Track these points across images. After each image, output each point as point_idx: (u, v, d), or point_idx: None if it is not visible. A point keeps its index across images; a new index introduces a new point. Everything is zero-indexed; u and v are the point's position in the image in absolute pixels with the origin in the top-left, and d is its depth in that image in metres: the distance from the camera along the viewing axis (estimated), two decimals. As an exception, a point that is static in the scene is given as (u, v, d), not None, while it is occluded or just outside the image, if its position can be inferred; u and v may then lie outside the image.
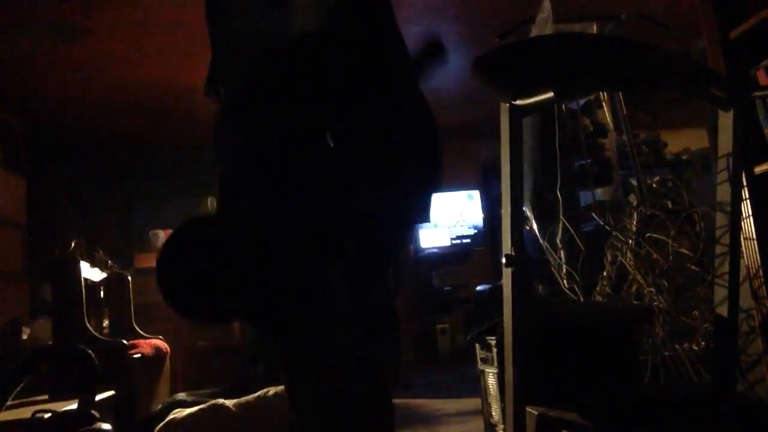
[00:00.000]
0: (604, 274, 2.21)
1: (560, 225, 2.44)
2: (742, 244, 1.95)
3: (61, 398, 2.38)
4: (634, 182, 2.77)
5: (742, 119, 1.15)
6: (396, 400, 1.18)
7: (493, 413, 2.16)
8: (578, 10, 2.87)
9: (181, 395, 3.21)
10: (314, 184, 1.07)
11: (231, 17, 1.24)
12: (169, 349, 3.62)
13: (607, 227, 2.23)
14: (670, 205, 2.31)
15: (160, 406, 3.04)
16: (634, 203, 2.44)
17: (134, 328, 3.55)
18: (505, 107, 1.01)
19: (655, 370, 1.93)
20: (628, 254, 2.11)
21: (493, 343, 2.09)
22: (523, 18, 2.74)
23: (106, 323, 3.64)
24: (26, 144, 4.70)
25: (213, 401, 2.69)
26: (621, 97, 2.82)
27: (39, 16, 3.38)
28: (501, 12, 3.47)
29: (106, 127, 5.21)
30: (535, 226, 2.61)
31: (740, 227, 1.38)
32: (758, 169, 1.98)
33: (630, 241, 2.12)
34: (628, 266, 2.10)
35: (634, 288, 2.09)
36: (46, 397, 2.50)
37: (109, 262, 4.05)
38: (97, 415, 1.88)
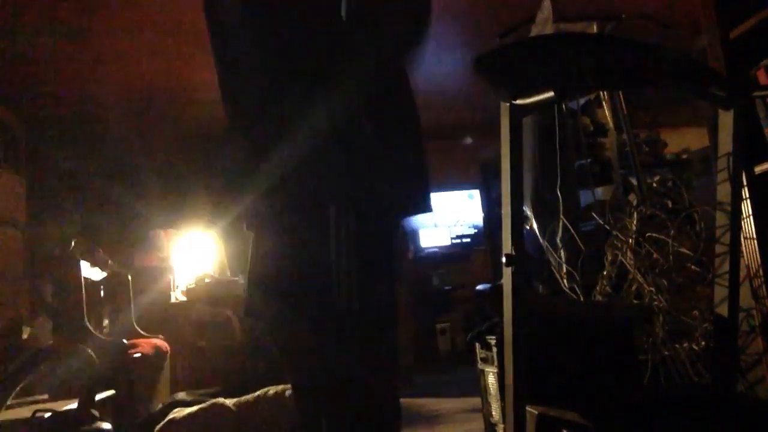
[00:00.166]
0: (604, 273, 2.21)
1: (560, 224, 2.44)
2: (742, 243, 1.95)
3: (61, 398, 2.38)
4: (634, 182, 2.77)
5: (742, 119, 1.15)
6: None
7: (493, 413, 2.16)
8: (578, 10, 2.87)
9: (181, 395, 3.21)
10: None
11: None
12: (169, 348, 3.62)
13: (607, 227, 2.23)
14: (670, 205, 2.31)
15: (160, 406, 3.04)
16: (634, 203, 2.45)
17: (134, 327, 3.55)
18: (505, 107, 1.01)
19: (655, 370, 1.93)
20: (628, 254, 2.11)
21: (493, 342, 2.09)
22: (523, 18, 2.74)
23: (106, 323, 3.64)
24: (26, 144, 4.70)
25: (213, 401, 2.69)
26: (621, 96, 2.82)
27: (39, 16, 3.38)
28: (501, 12, 3.46)
29: (106, 126, 5.21)
30: (535, 226, 2.61)
31: (740, 227, 1.38)
32: (758, 169, 1.98)
33: (630, 241, 2.12)
34: (628, 266, 2.10)
35: (634, 287, 2.09)
36: (46, 396, 2.50)
37: (109, 261, 4.05)
38: (97, 414, 1.88)
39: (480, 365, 2.23)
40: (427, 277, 6.03)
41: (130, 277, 3.67)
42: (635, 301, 2.08)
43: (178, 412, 2.62)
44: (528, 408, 1.05)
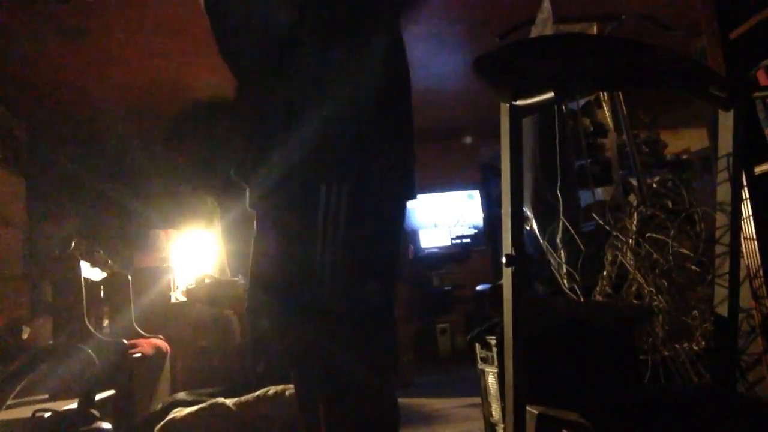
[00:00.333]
0: (604, 273, 2.21)
1: (560, 225, 2.44)
2: (742, 244, 1.95)
3: (61, 398, 2.38)
4: (634, 182, 2.77)
5: (742, 119, 1.15)
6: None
7: (493, 413, 2.16)
8: (578, 11, 2.87)
9: (181, 395, 3.21)
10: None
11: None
12: (169, 348, 3.62)
13: (607, 227, 2.23)
14: (670, 205, 2.31)
15: (160, 406, 3.04)
16: (634, 203, 2.45)
17: (134, 327, 3.55)
18: (505, 107, 1.01)
19: (655, 370, 1.93)
20: (628, 254, 2.11)
21: (493, 342, 2.09)
22: (523, 18, 2.74)
23: (106, 323, 3.64)
24: (26, 144, 4.70)
25: (213, 401, 2.69)
26: (621, 97, 2.82)
27: (39, 16, 3.38)
28: (501, 12, 3.46)
29: (106, 127, 5.21)
30: (535, 226, 2.61)
31: (740, 227, 1.38)
32: (758, 169, 1.98)
33: (630, 241, 2.12)
34: (628, 266, 2.11)
35: (634, 288, 2.09)
36: (46, 396, 2.50)
37: (109, 261, 4.05)
38: (97, 414, 1.88)
39: (480, 365, 2.23)
40: (427, 277, 6.03)
41: (130, 278, 3.67)
42: (635, 302, 2.08)
43: (178, 412, 2.62)
44: (528, 408, 1.05)
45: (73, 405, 2.08)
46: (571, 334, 1.40)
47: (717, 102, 1.16)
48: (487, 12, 3.76)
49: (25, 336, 3.01)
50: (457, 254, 6.23)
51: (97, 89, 4.45)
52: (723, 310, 1.17)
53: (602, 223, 2.27)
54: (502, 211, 1.04)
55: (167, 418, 2.60)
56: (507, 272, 1.01)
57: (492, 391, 2.15)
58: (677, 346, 1.95)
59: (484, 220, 6.36)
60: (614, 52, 1.15)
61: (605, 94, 2.93)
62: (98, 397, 2.19)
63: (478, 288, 5.32)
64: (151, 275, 4.34)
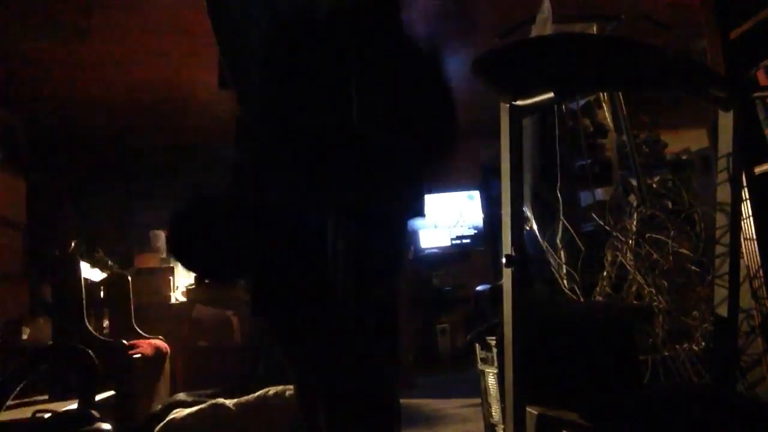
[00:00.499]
0: (604, 274, 2.21)
1: (560, 225, 2.44)
2: (742, 244, 1.95)
3: (61, 398, 2.38)
4: (634, 182, 2.77)
5: (742, 119, 1.15)
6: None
7: (493, 413, 2.16)
8: (578, 10, 2.87)
9: (181, 395, 3.21)
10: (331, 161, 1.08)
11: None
12: (169, 349, 3.62)
13: (607, 227, 2.23)
14: (670, 206, 2.31)
15: (160, 406, 3.04)
16: (634, 203, 2.45)
17: (134, 328, 3.55)
18: (505, 107, 1.01)
19: (655, 370, 1.93)
20: (628, 254, 2.11)
21: (493, 343, 2.09)
22: (523, 18, 2.74)
23: (106, 323, 3.64)
24: (26, 144, 4.70)
25: (213, 401, 2.69)
26: (621, 97, 2.82)
27: (39, 16, 3.38)
28: (501, 12, 3.46)
29: (106, 127, 5.21)
30: (535, 226, 2.61)
31: (740, 227, 1.38)
32: (758, 170, 1.98)
33: (630, 241, 2.12)
34: (628, 266, 2.11)
35: (634, 288, 2.09)
36: (46, 397, 2.50)
37: (109, 262, 4.05)
38: (97, 415, 1.88)
39: (480, 366, 2.23)
40: (427, 277, 6.03)
41: (129, 278, 3.67)
42: (635, 302, 2.08)
43: (178, 413, 2.62)
44: (528, 408, 1.05)
45: (73, 405, 2.08)
46: (571, 334, 1.40)
47: (717, 102, 1.16)
48: (487, 12, 3.76)
49: (25, 336, 3.02)
50: (457, 255, 6.23)
51: (97, 89, 4.45)
52: (723, 310, 1.17)
53: (602, 223, 2.27)
54: (502, 212, 1.04)
55: (167, 419, 2.60)
56: (507, 273, 1.01)
57: (492, 392, 2.15)
58: (677, 346, 1.95)
59: (484, 220, 6.35)
60: (614, 52, 1.15)
61: (605, 94, 2.93)
62: (98, 397, 2.19)
63: (478, 288, 5.31)
64: (151, 276, 4.34)
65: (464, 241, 6.32)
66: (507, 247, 1.01)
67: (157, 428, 2.55)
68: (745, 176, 1.94)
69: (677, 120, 4.91)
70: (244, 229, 1.12)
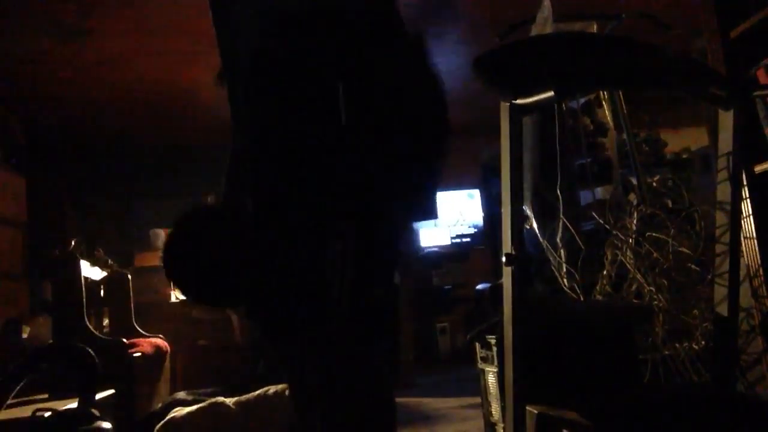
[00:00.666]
0: (604, 273, 2.21)
1: (560, 224, 2.44)
2: (742, 243, 1.95)
3: (61, 397, 2.38)
4: (634, 181, 2.77)
5: (742, 118, 1.15)
6: (396, 400, 1.18)
7: (493, 412, 2.16)
8: (578, 10, 2.87)
9: (181, 394, 3.21)
10: (325, 170, 1.07)
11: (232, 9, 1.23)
12: (169, 348, 3.62)
13: (607, 226, 2.23)
14: (670, 204, 2.31)
15: (159, 405, 3.04)
16: (634, 202, 2.44)
17: (134, 327, 3.55)
18: (505, 107, 1.01)
19: (655, 369, 1.93)
20: (628, 253, 2.11)
21: (493, 342, 2.09)
22: (523, 18, 2.74)
23: (106, 323, 3.64)
24: (26, 144, 4.70)
25: (213, 400, 2.69)
26: (621, 96, 2.82)
27: (39, 16, 3.38)
28: (501, 12, 3.46)
29: (106, 127, 5.22)
30: (535, 225, 2.61)
31: (740, 226, 1.38)
32: (758, 169, 1.98)
33: (630, 240, 2.12)
34: (628, 265, 2.11)
35: (634, 287, 2.09)
36: (46, 396, 2.50)
37: (109, 261, 4.05)
38: (97, 414, 1.88)
39: (480, 365, 2.23)
40: (427, 276, 6.03)
41: (130, 277, 3.67)
42: (635, 301, 2.08)
43: (178, 412, 2.63)
44: (528, 408, 1.05)
45: (73, 404, 2.08)
46: (571, 333, 1.40)
47: (717, 101, 1.16)
48: (487, 12, 3.76)
49: (25, 336, 3.02)
50: (457, 253, 6.23)
51: (97, 89, 4.45)
52: (723, 309, 1.17)
53: (602, 222, 2.27)
54: (502, 210, 1.04)
55: (167, 418, 2.60)
56: (507, 271, 1.01)
57: (492, 391, 2.15)
58: (677, 345, 1.95)
59: (484, 219, 6.36)
60: (614, 51, 1.15)
61: (605, 93, 2.93)
62: (98, 396, 2.19)
63: (478, 287, 5.31)
64: (151, 275, 4.34)
65: (464, 239, 6.32)
66: (507, 245, 1.01)
67: (157, 427, 2.55)
68: (745, 175, 1.94)
69: (677, 119, 4.91)
70: (238, 247, 1.11)
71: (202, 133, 5.10)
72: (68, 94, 4.50)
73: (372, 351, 1.14)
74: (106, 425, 1.84)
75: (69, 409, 2.05)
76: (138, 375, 3.06)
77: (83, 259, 3.10)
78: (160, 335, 3.63)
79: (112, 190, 5.69)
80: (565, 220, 2.42)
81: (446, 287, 6.00)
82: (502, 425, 2.08)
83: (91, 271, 3.23)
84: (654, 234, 2.07)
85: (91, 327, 2.97)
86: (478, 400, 2.31)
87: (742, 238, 1.93)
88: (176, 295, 4.52)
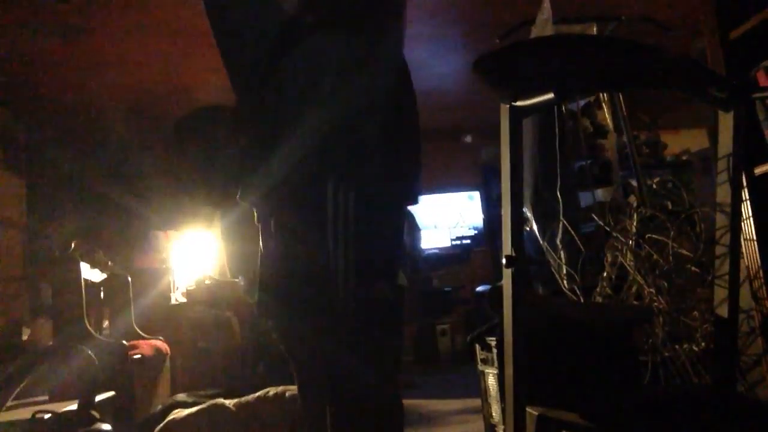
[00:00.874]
0: (604, 274, 2.20)
1: (560, 226, 2.44)
2: (742, 244, 1.95)
3: (61, 398, 2.38)
4: (634, 183, 2.77)
5: (742, 120, 1.15)
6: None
7: (493, 413, 2.16)
8: (578, 11, 2.87)
9: (180, 396, 3.21)
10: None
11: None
12: (169, 349, 3.62)
13: (607, 228, 2.23)
14: (670, 206, 2.31)
15: (159, 407, 3.03)
16: (634, 204, 2.44)
17: (134, 328, 3.55)
18: (505, 108, 1.01)
19: (655, 370, 1.93)
20: (628, 255, 2.11)
21: (493, 343, 2.09)
22: (523, 19, 2.74)
23: (105, 324, 3.64)
24: (26, 145, 4.70)
25: (213, 402, 2.69)
26: (621, 97, 2.82)
27: (39, 16, 3.38)
28: (501, 12, 3.47)
29: (106, 127, 5.21)
30: (535, 227, 2.61)
31: (740, 228, 1.38)
32: (758, 170, 1.98)
33: (630, 242, 2.12)
34: (628, 267, 2.10)
35: (634, 289, 2.09)
36: (46, 397, 2.50)
37: (109, 262, 4.05)
38: (96, 415, 1.88)
39: (480, 366, 2.23)
40: (427, 278, 6.03)
41: (129, 279, 3.67)
42: (635, 303, 2.08)
43: (178, 413, 2.62)
44: (528, 409, 1.05)
45: (73, 406, 2.08)
46: (571, 335, 1.40)
47: (717, 102, 1.16)
48: (487, 13, 3.76)
49: (25, 337, 3.02)
50: (458, 255, 6.23)
51: (97, 89, 4.45)
52: (723, 310, 1.17)
53: (602, 224, 2.27)
54: (502, 212, 1.04)
55: (167, 420, 2.59)
56: (507, 273, 1.01)
57: (492, 392, 2.15)
58: (677, 346, 1.95)
59: (484, 221, 6.36)
60: (614, 52, 1.15)
61: (605, 94, 2.93)
62: (98, 398, 2.19)
63: (479, 289, 5.31)
64: (151, 276, 4.34)
65: (464, 241, 6.32)
66: (507, 247, 1.01)
67: (157, 429, 2.54)
68: (745, 177, 1.94)
69: (677, 121, 4.91)
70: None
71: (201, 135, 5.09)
72: (68, 94, 4.50)
73: (380, 351, 1.14)
74: (106, 427, 1.84)
75: (69, 411, 2.05)
76: (138, 377, 3.06)
77: (83, 260, 3.10)
78: (160, 337, 3.63)
79: (112, 190, 5.69)
80: (565, 221, 2.42)
81: (446, 289, 6.00)
82: (502, 427, 2.08)
83: (90, 273, 3.22)
84: (654, 236, 2.07)
85: (90, 329, 2.97)
86: (478, 401, 2.31)
87: (742, 240, 1.93)
88: (176, 297, 4.52)
